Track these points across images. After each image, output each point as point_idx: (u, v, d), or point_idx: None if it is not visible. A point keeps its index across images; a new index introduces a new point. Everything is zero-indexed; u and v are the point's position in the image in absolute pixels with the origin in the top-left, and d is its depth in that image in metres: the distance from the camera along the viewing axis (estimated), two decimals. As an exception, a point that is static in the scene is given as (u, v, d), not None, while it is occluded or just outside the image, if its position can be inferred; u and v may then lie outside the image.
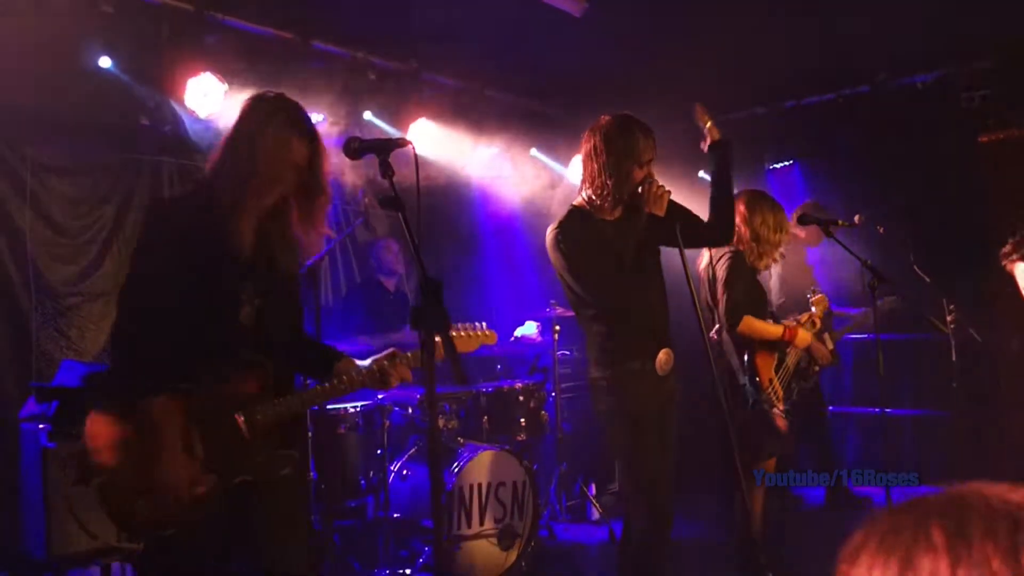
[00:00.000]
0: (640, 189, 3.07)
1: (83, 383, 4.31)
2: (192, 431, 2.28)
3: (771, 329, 3.90)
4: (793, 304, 4.66)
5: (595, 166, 3.11)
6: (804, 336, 3.95)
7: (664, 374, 3.15)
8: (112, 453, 2.20)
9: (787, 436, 3.84)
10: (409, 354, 2.55)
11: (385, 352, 2.56)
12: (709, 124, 3.35)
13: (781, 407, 3.85)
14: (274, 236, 2.43)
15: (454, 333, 2.67)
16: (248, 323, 2.37)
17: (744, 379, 3.84)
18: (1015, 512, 0.69)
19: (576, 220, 3.14)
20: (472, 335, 2.79)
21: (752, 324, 3.89)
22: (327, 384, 2.51)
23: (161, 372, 2.24)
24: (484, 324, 2.85)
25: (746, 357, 3.91)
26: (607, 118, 3.15)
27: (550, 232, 3.13)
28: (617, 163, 3.06)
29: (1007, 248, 3.30)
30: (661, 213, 3.07)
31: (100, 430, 2.21)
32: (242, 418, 2.33)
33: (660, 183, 3.11)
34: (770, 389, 3.85)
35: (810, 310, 4.08)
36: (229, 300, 2.34)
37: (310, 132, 2.39)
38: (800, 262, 5.42)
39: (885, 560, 0.71)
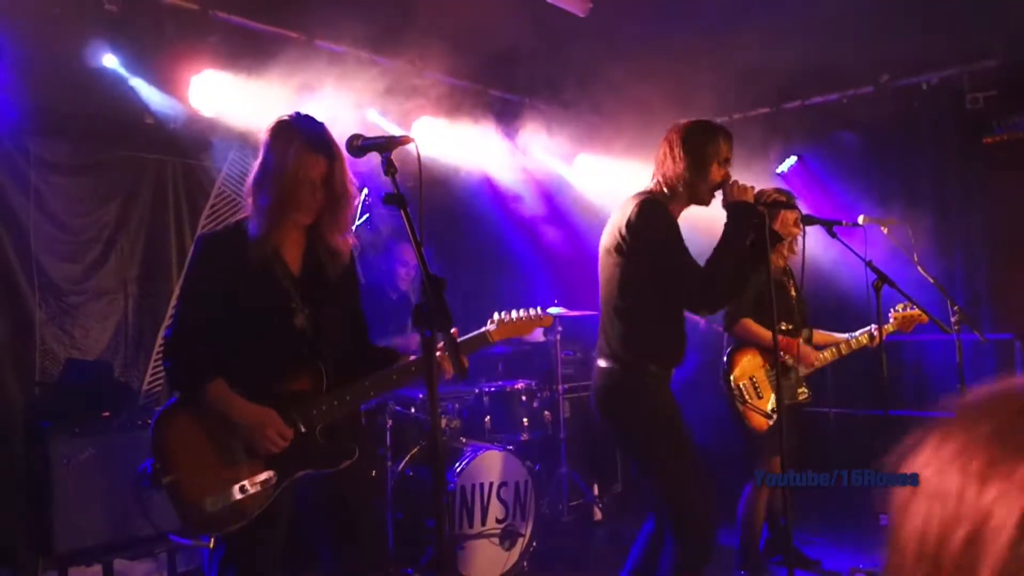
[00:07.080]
0: (724, 186, 3.03)
1: (87, 381, 4.32)
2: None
3: (767, 336, 3.89)
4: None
5: (675, 157, 3.06)
6: (804, 351, 3.97)
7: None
8: (180, 450, 2.38)
9: (772, 435, 3.81)
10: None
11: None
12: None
13: (762, 406, 3.84)
14: (319, 248, 2.58)
15: (510, 318, 2.77)
16: (301, 330, 2.51)
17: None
18: None
19: (658, 203, 3.07)
20: (528, 319, 2.81)
21: (749, 328, 3.88)
22: (368, 381, 2.59)
23: (215, 371, 2.41)
24: (539, 308, 2.85)
25: (727, 352, 3.94)
26: (688, 120, 3.13)
27: (642, 201, 3.03)
28: (700, 157, 3.03)
29: None
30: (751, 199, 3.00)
31: (167, 429, 2.40)
32: (295, 414, 2.46)
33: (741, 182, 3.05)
34: (747, 385, 3.85)
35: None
36: (278, 311, 2.49)
37: (326, 147, 2.49)
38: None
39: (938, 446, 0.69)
